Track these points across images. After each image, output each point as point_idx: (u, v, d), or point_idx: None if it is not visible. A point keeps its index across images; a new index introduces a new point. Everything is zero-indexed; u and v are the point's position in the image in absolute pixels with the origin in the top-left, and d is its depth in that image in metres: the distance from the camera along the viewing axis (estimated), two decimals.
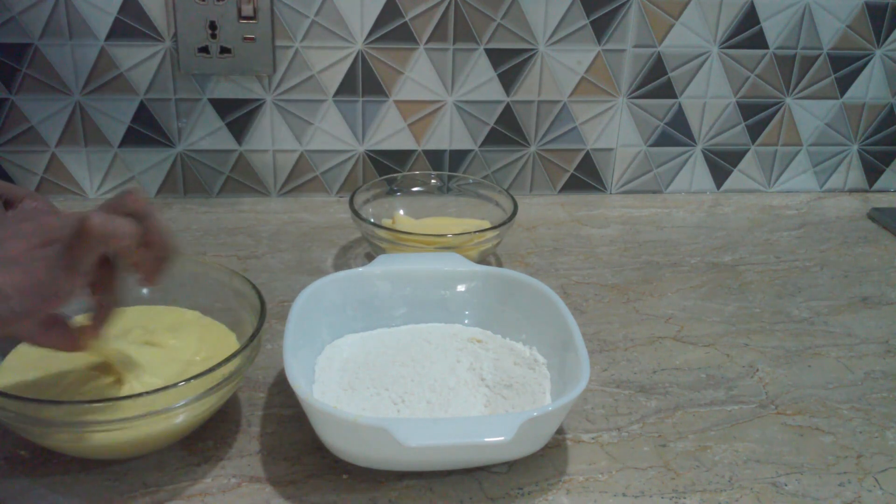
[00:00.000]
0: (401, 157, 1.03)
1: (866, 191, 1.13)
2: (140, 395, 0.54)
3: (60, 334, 0.55)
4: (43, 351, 0.57)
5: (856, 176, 1.12)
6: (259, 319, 0.61)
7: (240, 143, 0.99)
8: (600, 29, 0.99)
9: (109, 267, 0.54)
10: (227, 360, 0.57)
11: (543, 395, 0.62)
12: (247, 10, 0.92)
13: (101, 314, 0.56)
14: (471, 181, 0.94)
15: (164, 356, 0.62)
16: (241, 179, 1.01)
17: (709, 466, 0.61)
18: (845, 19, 1.03)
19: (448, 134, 1.02)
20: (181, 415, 0.56)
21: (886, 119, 1.10)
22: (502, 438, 0.52)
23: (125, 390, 0.58)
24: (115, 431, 0.54)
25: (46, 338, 0.54)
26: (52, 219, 0.50)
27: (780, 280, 0.89)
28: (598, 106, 1.03)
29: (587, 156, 1.06)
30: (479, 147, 1.03)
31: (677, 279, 0.88)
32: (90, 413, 0.54)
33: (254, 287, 0.65)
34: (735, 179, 1.10)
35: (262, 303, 0.63)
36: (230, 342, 0.65)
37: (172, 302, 0.69)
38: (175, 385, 0.54)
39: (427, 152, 1.03)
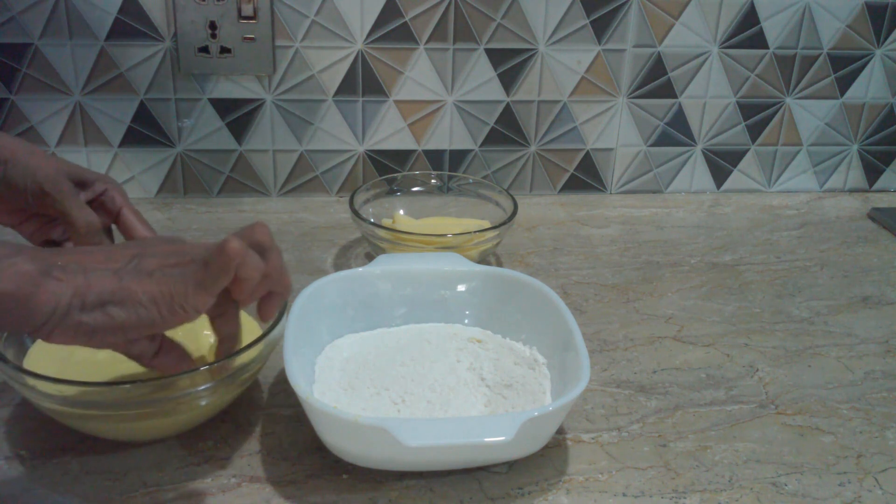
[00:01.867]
0: (401, 157, 1.03)
1: (866, 191, 1.13)
2: (166, 377, 0.56)
3: (177, 358, 0.55)
4: None
5: (856, 176, 1.12)
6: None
7: (240, 143, 0.99)
8: (600, 29, 0.99)
9: (230, 299, 0.54)
10: (250, 345, 0.59)
11: (543, 395, 0.62)
12: (247, 9, 0.92)
13: (222, 347, 0.57)
14: (471, 181, 0.94)
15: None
16: (241, 179, 1.01)
17: (709, 466, 0.61)
18: (845, 19, 1.03)
19: (448, 134, 1.02)
20: (204, 398, 0.57)
21: (886, 119, 1.10)
22: (502, 438, 0.52)
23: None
24: (139, 413, 0.56)
25: (160, 360, 0.54)
26: (189, 244, 0.53)
27: (780, 280, 0.89)
28: (598, 106, 1.03)
29: (587, 156, 1.06)
30: (479, 147, 1.03)
31: (677, 279, 0.88)
32: (117, 395, 0.55)
33: None
34: (735, 179, 1.10)
35: None
36: (253, 329, 0.66)
37: None
38: (197, 369, 0.56)
39: (427, 152, 1.03)
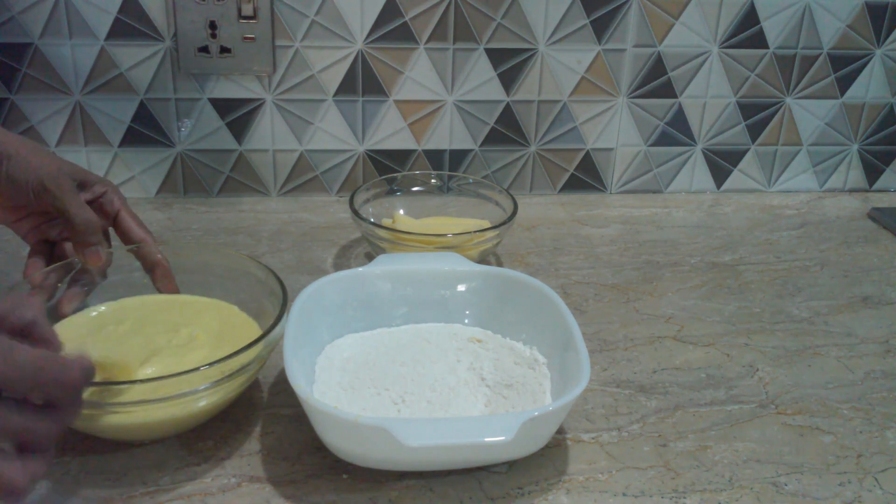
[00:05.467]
0: (401, 157, 1.03)
1: (866, 190, 1.13)
2: (164, 377, 0.56)
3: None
4: (71, 335, 0.62)
5: (856, 176, 1.12)
6: (281, 306, 0.63)
7: (240, 142, 0.99)
8: (600, 29, 0.99)
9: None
10: (250, 345, 0.59)
11: (544, 395, 0.62)
12: (247, 9, 0.92)
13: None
14: (471, 181, 0.94)
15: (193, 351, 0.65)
16: (241, 179, 1.01)
17: (709, 466, 0.61)
18: (845, 19, 1.03)
19: (448, 134, 1.02)
20: (204, 398, 0.57)
21: (886, 119, 1.10)
22: (503, 438, 0.52)
23: (152, 372, 0.61)
24: (139, 413, 0.56)
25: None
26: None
27: (780, 280, 0.89)
28: (598, 106, 1.03)
29: (587, 155, 1.06)
30: (479, 147, 1.03)
31: (677, 279, 0.88)
32: (117, 394, 0.56)
33: (274, 275, 0.67)
34: (735, 179, 1.10)
35: (284, 290, 0.65)
36: (252, 329, 0.67)
37: (202, 291, 0.72)
38: (197, 369, 0.56)
39: (427, 152, 1.03)
